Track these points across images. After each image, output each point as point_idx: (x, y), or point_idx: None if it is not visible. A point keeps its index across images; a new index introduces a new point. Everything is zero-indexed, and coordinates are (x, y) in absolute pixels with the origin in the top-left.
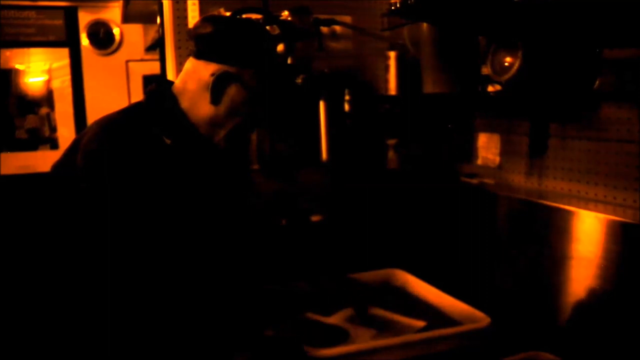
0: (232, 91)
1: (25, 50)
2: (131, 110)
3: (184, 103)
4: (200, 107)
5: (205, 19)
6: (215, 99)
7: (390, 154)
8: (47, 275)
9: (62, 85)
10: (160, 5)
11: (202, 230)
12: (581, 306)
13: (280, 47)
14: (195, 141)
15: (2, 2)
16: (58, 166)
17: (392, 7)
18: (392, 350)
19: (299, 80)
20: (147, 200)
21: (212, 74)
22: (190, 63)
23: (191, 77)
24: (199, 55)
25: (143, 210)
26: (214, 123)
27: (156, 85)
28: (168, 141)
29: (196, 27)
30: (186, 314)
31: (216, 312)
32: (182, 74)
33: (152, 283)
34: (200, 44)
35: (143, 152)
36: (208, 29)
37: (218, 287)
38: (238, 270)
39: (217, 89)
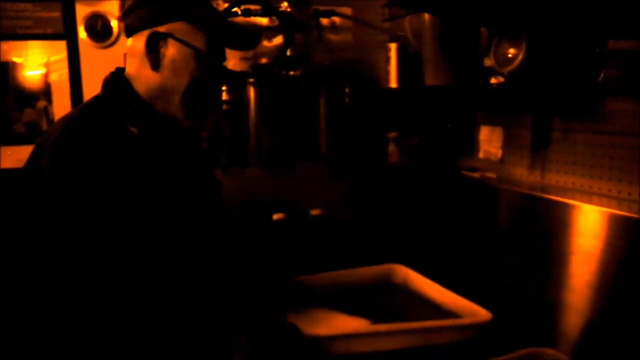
0: (167, 51)
1: (23, 43)
2: (92, 105)
3: (135, 84)
4: (147, 81)
5: None
6: (154, 64)
7: (391, 147)
8: (25, 277)
9: (60, 78)
10: None
11: (182, 220)
12: (584, 301)
13: (279, 39)
14: (157, 123)
15: None
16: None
17: None
18: (391, 336)
19: (297, 73)
20: (124, 193)
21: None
22: (128, 45)
23: (131, 56)
24: (129, 33)
25: (120, 204)
26: (164, 90)
27: (111, 74)
28: (134, 130)
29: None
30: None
31: (205, 306)
32: (126, 59)
33: (138, 279)
34: (127, 21)
35: (111, 145)
36: (130, 1)
37: (207, 281)
38: (225, 264)
39: (151, 52)
